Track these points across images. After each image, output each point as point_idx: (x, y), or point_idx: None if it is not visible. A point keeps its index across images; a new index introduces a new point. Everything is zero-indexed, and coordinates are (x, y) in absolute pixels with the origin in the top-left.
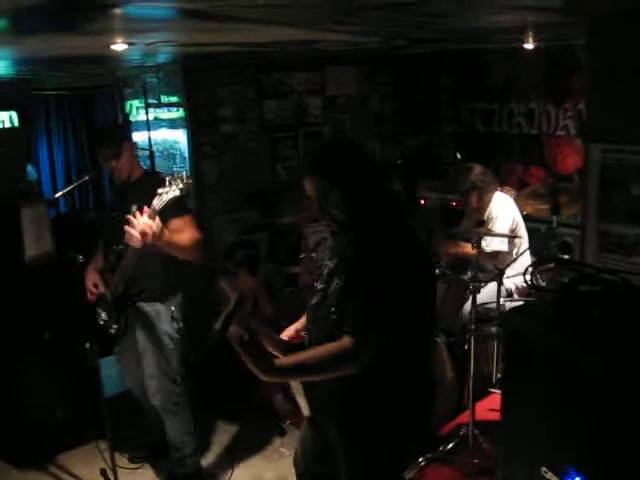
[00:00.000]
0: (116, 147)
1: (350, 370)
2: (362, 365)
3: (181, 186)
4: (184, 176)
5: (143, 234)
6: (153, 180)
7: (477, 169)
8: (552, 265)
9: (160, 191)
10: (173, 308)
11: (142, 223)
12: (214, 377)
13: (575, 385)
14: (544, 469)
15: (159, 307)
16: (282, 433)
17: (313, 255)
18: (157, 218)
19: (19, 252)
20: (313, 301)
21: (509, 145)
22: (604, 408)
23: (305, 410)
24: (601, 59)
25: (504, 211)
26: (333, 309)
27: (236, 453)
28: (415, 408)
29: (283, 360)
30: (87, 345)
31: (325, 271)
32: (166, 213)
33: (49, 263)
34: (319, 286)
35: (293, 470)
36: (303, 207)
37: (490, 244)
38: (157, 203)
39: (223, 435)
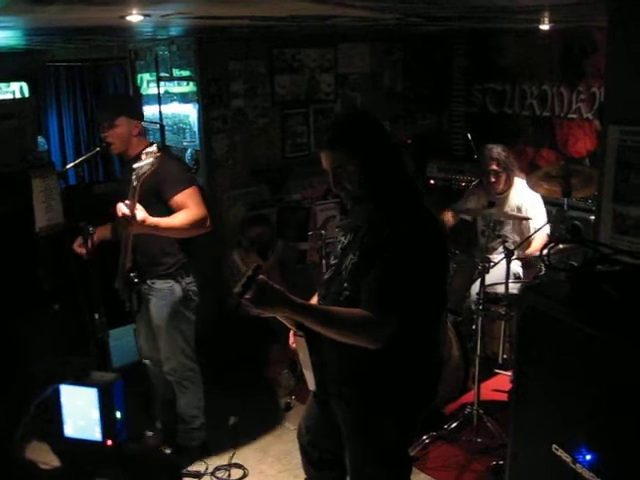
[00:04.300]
0: (109, 119)
1: (366, 342)
2: (379, 341)
3: (151, 160)
4: (154, 150)
5: (124, 221)
6: None
7: (503, 150)
8: (565, 246)
9: (135, 166)
10: (188, 285)
11: (121, 211)
12: (220, 352)
13: (589, 363)
14: (555, 447)
15: (173, 284)
16: (287, 408)
17: (322, 232)
18: (137, 205)
19: (30, 223)
20: (325, 276)
21: (520, 127)
22: (618, 387)
23: (311, 384)
24: (622, 40)
25: (536, 199)
26: (346, 285)
27: (241, 427)
28: (424, 387)
29: (305, 302)
30: (96, 316)
31: (339, 247)
32: (165, 189)
33: (59, 234)
34: (332, 261)
35: (297, 444)
36: (311, 184)
37: (539, 232)
38: (134, 179)
39: (229, 409)
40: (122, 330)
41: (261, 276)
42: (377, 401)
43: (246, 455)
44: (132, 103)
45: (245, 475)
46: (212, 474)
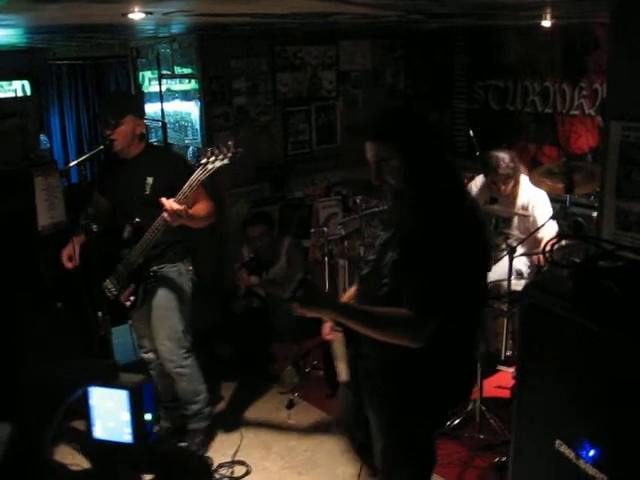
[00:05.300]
0: (117, 117)
1: (408, 342)
2: (421, 341)
3: (230, 155)
4: (232, 144)
5: (172, 216)
6: (157, 152)
7: (510, 160)
8: (568, 242)
9: (204, 161)
10: (191, 267)
11: (172, 207)
12: (222, 350)
13: (591, 359)
14: (558, 442)
15: (181, 266)
16: (290, 405)
17: (324, 229)
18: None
19: (33, 221)
20: (363, 272)
21: (522, 123)
22: (620, 382)
23: (344, 376)
24: (624, 36)
25: (542, 197)
26: (385, 281)
27: (244, 424)
28: (458, 384)
29: (349, 303)
30: (99, 314)
31: (378, 242)
32: (181, 186)
33: (62, 232)
34: (370, 257)
35: (300, 441)
36: (313, 181)
37: (548, 228)
38: (201, 173)
39: (232, 406)
40: (122, 328)
41: (309, 278)
42: (410, 396)
43: (249, 452)
44: (137, 101)
45: (248, 472)
46: (215, 471)
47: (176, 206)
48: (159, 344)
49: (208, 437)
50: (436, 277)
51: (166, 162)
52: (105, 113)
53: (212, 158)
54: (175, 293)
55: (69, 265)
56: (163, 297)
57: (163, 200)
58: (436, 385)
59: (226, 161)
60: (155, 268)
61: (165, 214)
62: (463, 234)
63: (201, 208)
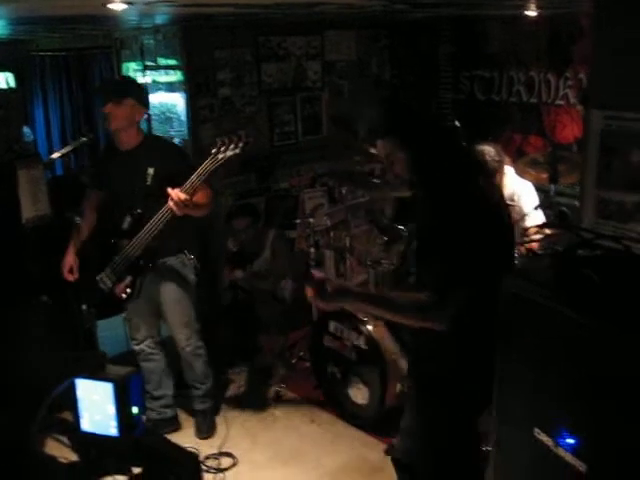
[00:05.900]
0: (117, 96)
1: (431, 325)
2: (443, 322)
3: (241, 144)
4: (243, 135)
5: (179, 206)
6: (154, 142)
7: (492, 152)
8: (553, 231)
9: (214, 151)
10: (193, 256)
11: (179, 197)
12: (209, 341)
13: (570, 347)
14: (537, 431)
15: (183, 257)
16: (277, 397)
17: (310, 220)
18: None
19: (16, 214)
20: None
21: (508, 113)
22: (600, 370)
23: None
24: (607, 25)
25: (528, 187)
26: (412, 269)
27: (230, 416)
28: (489, 369)
29: (366, 290)
30: (84, 307)
31: (404, 235)
32: (184, 176)
33: (46, 225)
34: (400, 249)
35: (287, 432)
36: (299, 172)
37: (533, 218)
38: (211, 163)
39: (218, 397)
40: (114, 320)
41: (316, 273)
42: (441, 382)
43: (236, 443)
44: (142, 89)
45: (235, 464)
46: (202, 463)
47: (183, 196)
48: (178, 334)
49: (215, 415)
50: (450, 261)
51: (165, 152)
52: (106, 88)
53: (222, 148)
54: (181, 283)
55: (70, 278)
56: (171, 290)
57: (169, 190)
58: (466, 370)
59: (237, 151)
60: (159, 261)
61: (171, 203)
62: (470, 216)
63: (202, 196)
